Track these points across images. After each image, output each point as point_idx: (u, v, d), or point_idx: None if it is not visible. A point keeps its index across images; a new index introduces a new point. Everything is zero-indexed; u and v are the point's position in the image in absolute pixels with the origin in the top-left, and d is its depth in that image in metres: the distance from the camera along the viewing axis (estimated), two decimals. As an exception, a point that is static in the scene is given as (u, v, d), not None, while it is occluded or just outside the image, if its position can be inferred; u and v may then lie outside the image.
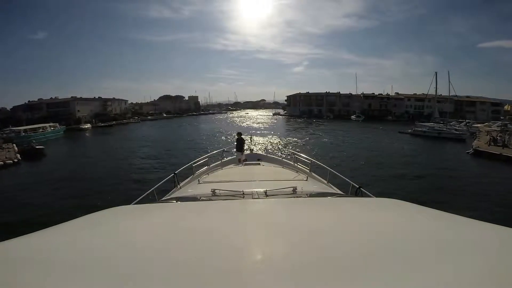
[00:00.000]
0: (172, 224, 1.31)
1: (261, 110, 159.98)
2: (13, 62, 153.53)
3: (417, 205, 1.50)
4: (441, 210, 1.35)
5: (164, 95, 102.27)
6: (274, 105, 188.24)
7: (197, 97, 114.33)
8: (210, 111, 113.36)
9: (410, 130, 34.96)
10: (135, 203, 2.31)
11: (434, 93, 44.13)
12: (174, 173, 3.85)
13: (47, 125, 37.61)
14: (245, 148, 7.49)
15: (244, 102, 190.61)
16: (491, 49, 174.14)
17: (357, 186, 2.95)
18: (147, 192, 2.88)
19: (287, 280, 0.68)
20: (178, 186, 3.67)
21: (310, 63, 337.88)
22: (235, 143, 7.44)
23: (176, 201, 2.19)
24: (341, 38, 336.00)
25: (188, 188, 3.38)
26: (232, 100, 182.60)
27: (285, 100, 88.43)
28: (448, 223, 1.20)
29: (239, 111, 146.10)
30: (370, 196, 2.60)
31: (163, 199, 2.75)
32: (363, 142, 28.55)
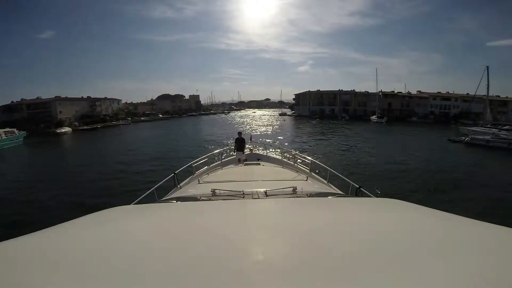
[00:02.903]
0: (172, 224, 1.30)
1: (266, 109, 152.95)
2: (19, 61, 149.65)
3: (417, 205, 1.48)
4: (441, 210, 1.33)
5: (162, 94, 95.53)
6: (278, 104, 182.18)
7: (198, 96, 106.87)
8: (212, 111, 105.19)
9: (465, 138, 26.60)
10: (135, 203, 2.28)
11: (484, 92, 35.82)
12: (174, 173, 3.83)
13: (1, 131, 30.67)
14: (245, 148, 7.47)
15: (248, 101, 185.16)
16: (502, 48, 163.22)
17: (357, 186, 3.01)
18: (147, 192, 2.88)
19: (287, 280, 0.68)
20: (178, 186, 3.71)
21: (315, 62, 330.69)
22: (235, 143, 7.38)
23: (176, 201, 2.16)
24: (346, 36, 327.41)
25: (188, 188, 3.37)
26: (236, 99, 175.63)
27: (293, 99, 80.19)
28: (448, 223, 1.20)
29: (243, 110, 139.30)
30: (370, 196, 2.64)
31: (163, 199, 2.73)
32: (420, 157, 19.63)
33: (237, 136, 7.45)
